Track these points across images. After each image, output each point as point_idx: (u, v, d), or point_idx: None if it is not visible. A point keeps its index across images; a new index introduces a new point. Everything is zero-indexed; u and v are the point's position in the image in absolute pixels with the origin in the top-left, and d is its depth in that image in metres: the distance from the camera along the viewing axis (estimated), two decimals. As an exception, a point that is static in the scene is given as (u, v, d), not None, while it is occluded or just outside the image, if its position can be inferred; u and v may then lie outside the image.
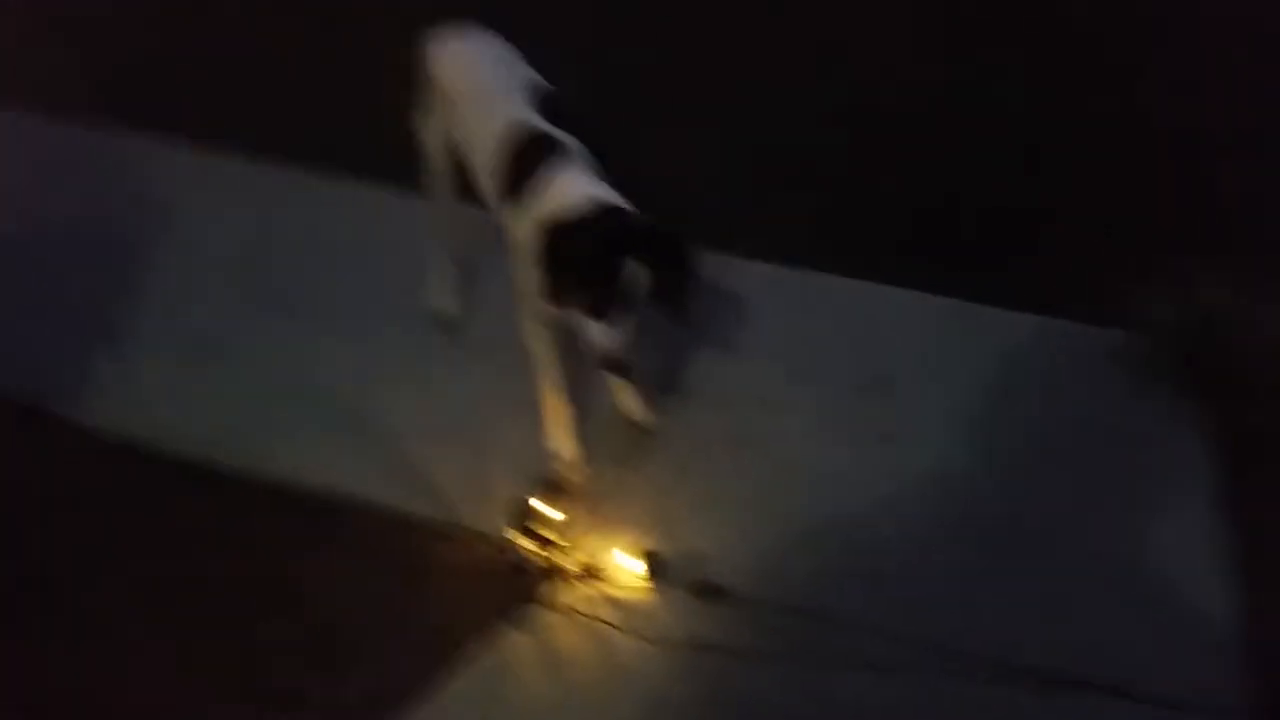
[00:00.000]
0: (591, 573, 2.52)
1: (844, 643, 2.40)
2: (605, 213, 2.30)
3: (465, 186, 2.85)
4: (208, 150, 3.89)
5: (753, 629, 2.43)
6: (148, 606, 2.43)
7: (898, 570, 2.57)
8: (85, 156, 3.85)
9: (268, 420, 2.87)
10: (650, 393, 3.00)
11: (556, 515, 2.48)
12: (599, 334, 2.31)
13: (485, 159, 2.60)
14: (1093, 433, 2.94)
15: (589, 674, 2.34)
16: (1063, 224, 3.78)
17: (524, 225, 2.44)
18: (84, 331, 3.09)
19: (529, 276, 2.47)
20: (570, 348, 2.89)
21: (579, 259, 2.26)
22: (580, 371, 3.00)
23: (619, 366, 2.37)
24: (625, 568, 2.52)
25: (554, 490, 2.52)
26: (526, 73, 2.73)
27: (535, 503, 2.51)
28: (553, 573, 2.51)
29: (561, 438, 2.76)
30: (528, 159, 2.49)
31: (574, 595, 2.50)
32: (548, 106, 2.61)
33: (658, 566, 2.52)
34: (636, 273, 2.26)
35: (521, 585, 2.49)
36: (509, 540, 2.50)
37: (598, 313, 2.29)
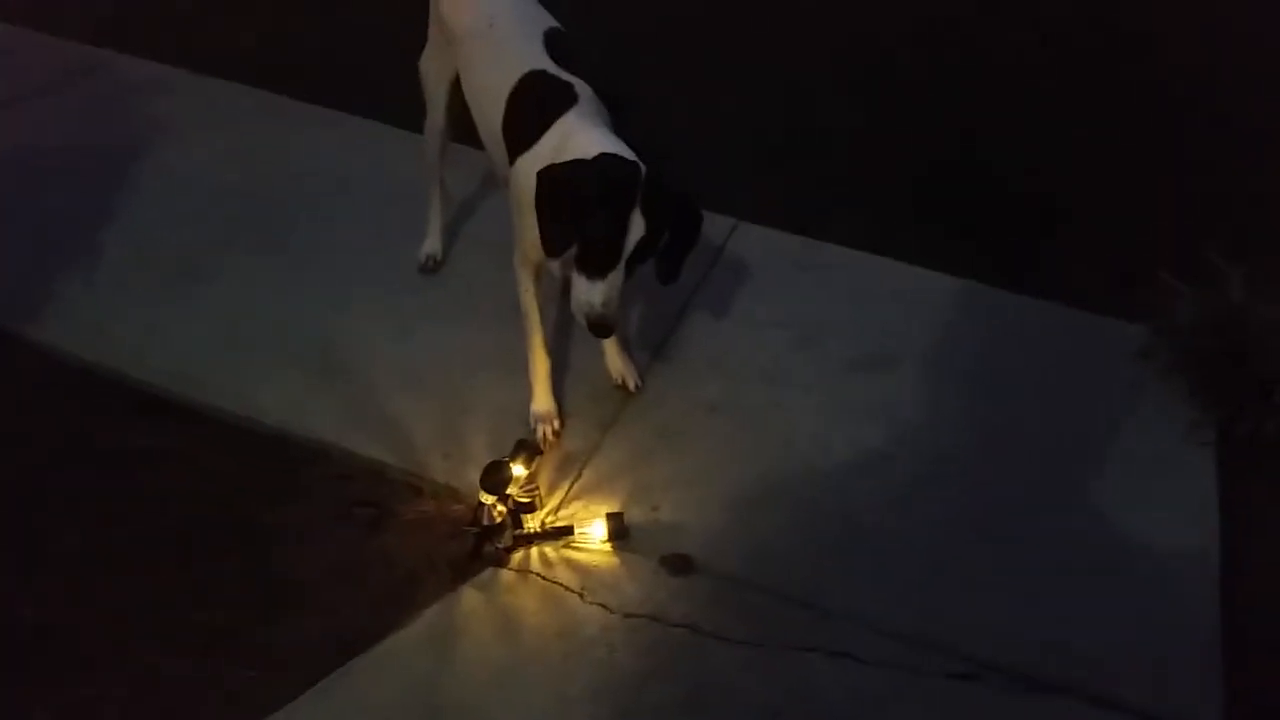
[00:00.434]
0: (555, 534, 2.39)
1: (817, 629, 2.24)
2: (608, 164, 2.15)
3: (465, 131, 2.72)
4: (206, 78, 3.83)
5: (721, 607, 2.27)
6: (96, 536, 2.32)
7: (881, 558, 2.41)
8: (83, 77, 3.80)
9: (239, 356, 2.75)
10: (639, 355, 2.87)
11: (522, 472, 2.34)
12: (588, 291, 2.16)
13: (491, 105, 2.47)
14: (1099, 427, 2.78)
15: (543, 638, 2.20)
16: (1088, 212, 3.63)
17: (525, 173, 2.30)
18: (60, 252, 2.99)
19: (525, 225, 2.34)
20: (558, 302, 2.78)
21: (575, 210, 2.12)
22: (569, 328, 2.89)
23: (605, 328, 2.22)
24: (588, 532, 2.39)
25: (526, 448, 2.38)
26: (540, 15, 2.59)
27: (504, 459, 2.37)
28: (515, 532, 2.37)
29: (540, 393, 2.64)
30: (536, 107, 2.35)
31: (535, 556, 2.37)
32: (560, 50, 2.47)
33: (620, 530, 2.38)
34: (635, 230, 2.12)
35: (483, 543, 2.36)
36: (475, 496, 2.37)
37: (590, 269, 2.15)
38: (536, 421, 2.61)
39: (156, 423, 2.58)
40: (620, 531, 2.40)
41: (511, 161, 2.36)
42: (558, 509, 2.47)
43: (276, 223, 3.19)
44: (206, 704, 2.04)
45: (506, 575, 2.33)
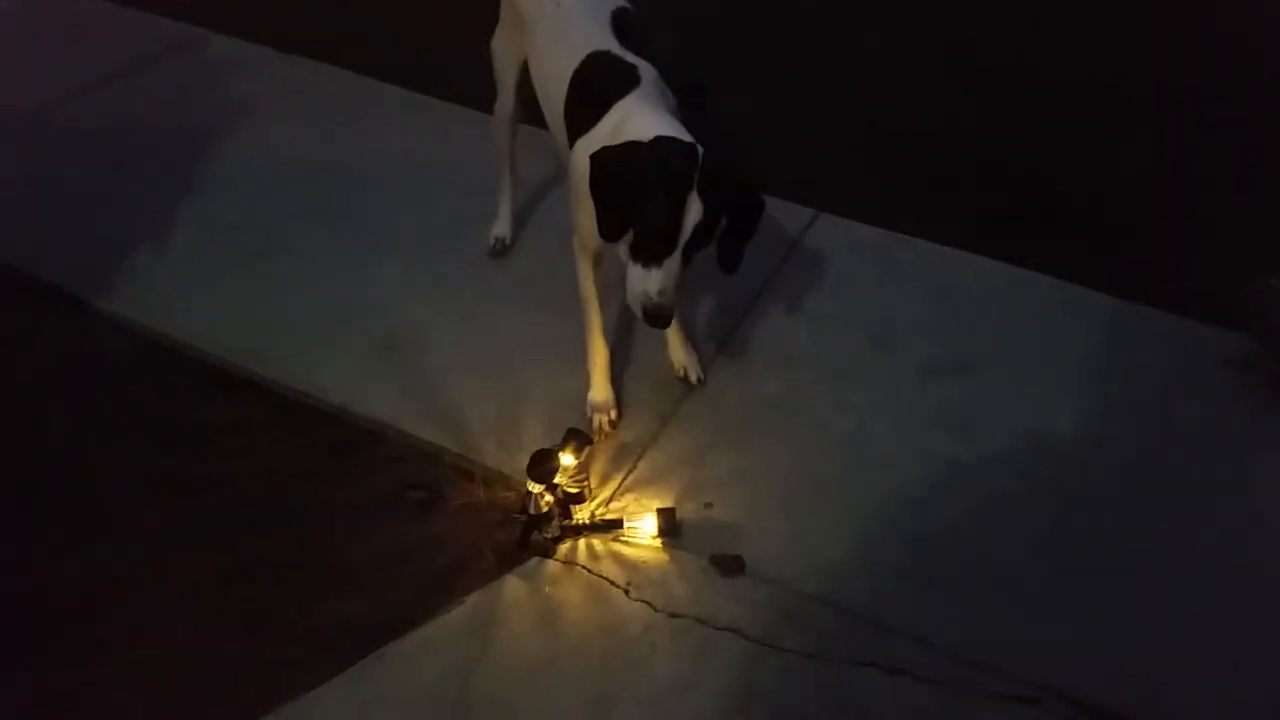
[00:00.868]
0: (604, 527, 2.32)
1: (873, 643, 2.13)
2: (664, 146, 2.07)
3: (536, 114, 2.67)
4: (292, 57, 3.87)
5: (771, 613, 2.18)
6: (151, 509, 2.35)
7: (945, 572, 2.27)
8: (173, 55, 3.88)
9: (304, 332, 2.76)
10: (703, 348, 2.78)
11: (571, 462, 2.28)
12: (643, 280, 2.09)
13: (555, 87, 2.41)
14: (1195, 444, 2.58)
15: (584, 634, 2.14)
16: (1189, 214, 3.39)
17: (582, 157, 2.23)
18: (138, 227, 3.04)
19: (582, 210, 2.27)
20: (620, 290, 2.70)
21: (629, 193, 2.04)
22: (632, 316, 2.81)
23: (660, 317, 2.12)
24: (638, 526, 2.31)
25: (576, 437, 2.32)
26: None
27: (553, 448, 2.32)
28: (563, 522, 2.32)
29: (597, 382, 2.57)
30: (597, 88, 2.29)
31: (583, 548, 2.31)
32: (628, 31, 2.39)
33: (670, 526, 2.30)
34: (692, 214, 2.03)
35: (530, 532, 2.31)
36: (525, 484, 2.32)
37: (645, 256, 2.08)
38: (593, 411, 2.55)
39: (220, 398, 2.61)
40: (671, 528, 2.32)
41: (571, 144, 2.30)
42: (609, 501, 2.40)
43: (350, 203, 3.20)
44: (244, 681, 2.04)
45: (552, 566, 2.28)
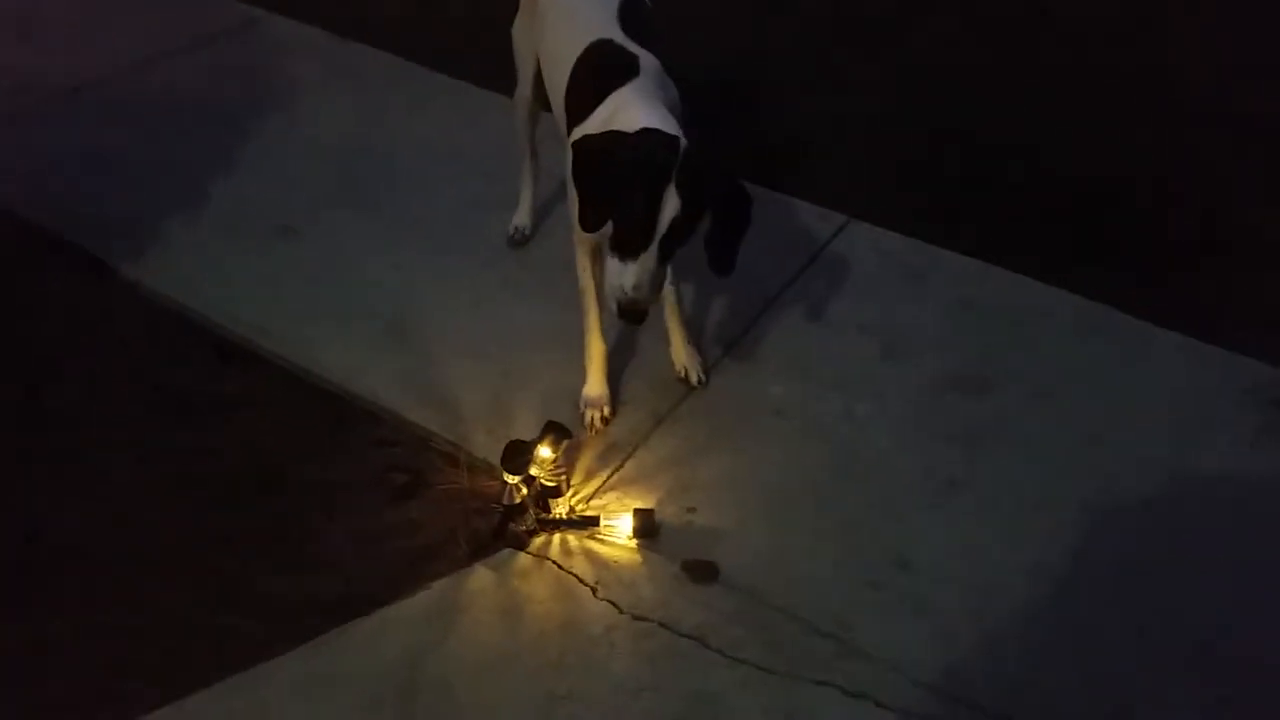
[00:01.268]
0: (580, 523, 2.29)
1: (838, 663, 2.05)
2: (643, 137, 2.04)
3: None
4: (349, 42, 3.93)
5: (738, 623, 2.11)
6: (143, 471, 2.40)
7: (926, 599, 2.18)
8: (235, 35, 3.98)
9: (317, 313, 2.79)
10: (711, 349, 2.73)
11: (548, 454, 2.26)
12: (619, 274, 2.06)
13: (559, 74, 2.40)
14: (1227, 487, 2.42)
15: (544, 630, 2.11)
16: (1239, 241, 3.18)
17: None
18: (172, 199, 3.12)
19: (571, 200, 2.26)
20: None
21: (605, 184, 2.02)
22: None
23: (634, 313, 2.09)
24: (615, 525, 2.28)
25: (555, 430, 2.29)
26: None
27: (533, 441, 2.29)
28: (540, 515, 2.30)
29: (593, 377, 2.54)
30: (596, 77, 2.26)
31: (557, 544, 2.29)
32: (634, 21, 2.37)
33: (647, 528, 2.26)
34: (668, 208, 1.99)
35: (508, 522, 2.29)
36: (502, 473, 2.30)
37: (622, 249, 2.05)
38: (586, 406, 2.53)
39: (226, 371, 2.65)
40: (648, 529, 2.28)
41: (568, 133, 2.28)
42: (591, 498, 2.37)
43: (379, 187, 3.23)
44: (203, 649, 2.06)
45: (523, 559, 2.26)
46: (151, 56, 3.78)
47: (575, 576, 2.22)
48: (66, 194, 3.12)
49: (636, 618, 2.14)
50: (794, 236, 3.12)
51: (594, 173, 2.03)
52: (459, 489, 2.40)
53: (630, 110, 2.10)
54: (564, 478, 2.31)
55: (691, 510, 2.35)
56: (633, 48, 2.26)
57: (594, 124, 2.15)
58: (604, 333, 2.52)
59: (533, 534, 2.29)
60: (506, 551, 2.27)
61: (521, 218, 3.04)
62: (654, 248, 2.02)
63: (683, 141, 2.02)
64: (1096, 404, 2.61)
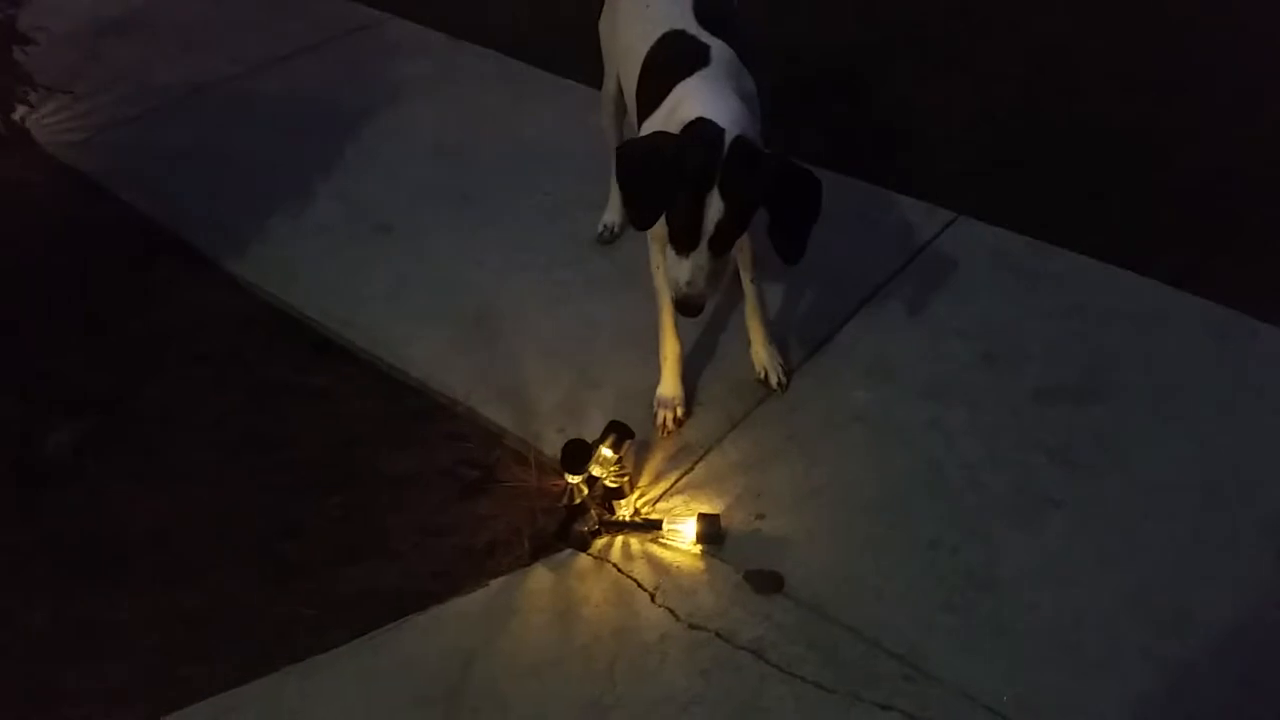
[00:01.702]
0: (643, 526, 2.23)
1: (903, 687, 1.92)
2: (689, 141, 1.98)
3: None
4: (461, 42, 3.99)
5: (799, 639, 2.01)
6: (226, 458, 2.48)
7: (1007, 625, 2.02)
8: (351, 36, 4.10)
9: (405, 309, 2.82)
10: (796, 350, 2.62)
11: (609, 455, 2.20)
12: (675, 267, 2.04)
13: (633, 66, 2.36)
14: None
15: (598, 635, 2.06)
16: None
17: None
18: (276, 196, 3.22)
19: None
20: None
21: (648, 190, 2.01)
22: (717, 312, 2.71)
23: (691, 307, 2.07)
24: (679, 529, 2.20)
25: (617, 430, 2.23)
26: None
27: (597, 441, 2.24)
28: (604, 517, 2.24)
29: (667, 377, 2.48)
30: (667, 68, 2.21)
31: (619, 546, 2.23)
32: (710, 11, 2.29)
33: (712, 534, 2.17)
34: (712, 212, 1.96)
35: (571, 523, 2.25)
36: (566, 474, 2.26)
37: (677, 245, 2.03)
38: (659, 406, 2.46)
39: (317, 363, 2.71)
40: (712, 535, 2.20)
41: (638, 127, 2.22)
42: (658, 500, 2.31)
43: (478, 185, 3.25)
44: (259, 636, 2.10)
45: (583, 560, 2.21)
46: (274, 57, 3.93)
47: (634, 581, 2.16)
48: (182, 192, 3.26)
49: (693, 626, 2.06)
50: (896, 233, 2.98)
51: (635, 179, 2.04)
52: (527, 487, 2.37)
53: (691, 101, 2.05)
54: (628, 479, 2.26)
55: (760, 518, 2.25)
56: (705, 38, 2.19)
57: (659, 116, 2.10)
58: (679, 331, 2.45)
59: (595, 535, 2.24)
60: (568, 552, 2.23)
61: (610, 215, 3.00)
62: (703, 246, 1.98)
63: (730, 135, 1.96)
64: (1217, 422, 2.37)
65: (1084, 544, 2.16)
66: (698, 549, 2.20)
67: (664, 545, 2.22)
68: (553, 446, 2.42)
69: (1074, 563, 2.13)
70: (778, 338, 2.59)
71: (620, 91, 2.73)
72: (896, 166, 3.21)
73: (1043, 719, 1.87)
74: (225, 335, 2.80)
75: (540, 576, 2.19)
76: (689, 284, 1.99)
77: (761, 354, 2.54)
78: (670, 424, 2.44)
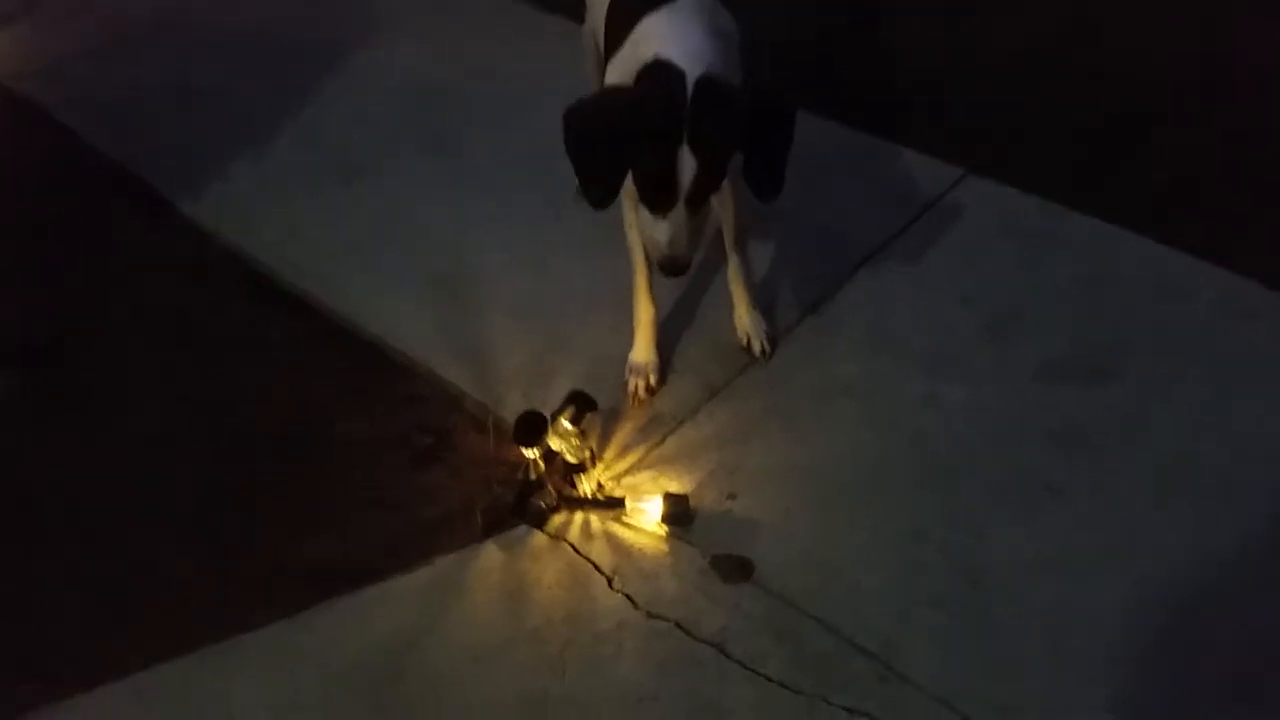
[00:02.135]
0: (605, 504, 2.06)
1: (875, 689, 1.76)
2: (654, 85, 1.80)
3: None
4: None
5: (766, 632, 1.84)
6: (161, 409, 2.33)
7: (992, 625, 1.85)
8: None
9: (366, 257, 2.65)
10: (785, 315, 2.42)
11: (569, 427, 2.02)
12: (653, 227, 1.87)
13: (600, 4, 2.18)
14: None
15: (549, 621, 1.89)
16: None
17: (610, 81, 2.00)
18: (237, 136, 3.03)
19: None
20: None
21: (599, 156, 1.84)
22: (699, 273, 2.51)
23: (674, 268, 1.91)
24: (643, 508, 2.03)
25: (577, 400, 2.05)
26: None
27: (550, 411, 2.07)
28: (564, 492, 2.08)
29: (640, 342, 2.29)
30: (633, 3, 2.00)
31: (578, 524, 2.06)
32: None
33: (679, 515, 2.01)
34: (685, 168, 1.77)
35: (528, 497, 2.08)
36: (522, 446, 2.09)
37: (650, 205, 1.85)
38: (631, 372, 2.28)
39: (267, 314, 2.54)
40: (679, 516, 2.02)
41: (605, 65, 2.02)
42: (623, 475, 2.14)
43: (454, 130, 3.03)
44: (192, 609, 1.96)
45: (539, 538, 2.05)
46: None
47: (592, 563, 1.99)
48: (144, 129, 3.08)
49: (652, 615, 1.90)
50: (897, 190, 2.76)
51: (586, 152, 1.85)
52: (484, 456, 2.20)
53: (652, 39, 1.86)
54: (589, 453, 2.08)
55: (732, 498, 2.08)
56: None
57: (621, 57, 1.93)
58: (654, 293, 2.26)
59: (554, 510, 2.08)
60: (523, 529, 2.06)
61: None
62: (681, 205, 1.80)
63: (693, 76, 1.76)
64: (1236, 407, 2.17)
65: (1083, 536, 1.97)
66: (663, 530, 2.03)
67: (626, 525, 2.05)
68: (514, 412, 2.23)
69: (1071, 556, 1.94)
70: (764, 300, 2.40)
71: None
72: (901, 117, 2.98)
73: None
74: (175, 283, 2.63)
75: (491, 555, 2.03)
76: (671, 244, 1.84)
77: (744, 318, 2.34)
78: (642, 392, 2.26)
